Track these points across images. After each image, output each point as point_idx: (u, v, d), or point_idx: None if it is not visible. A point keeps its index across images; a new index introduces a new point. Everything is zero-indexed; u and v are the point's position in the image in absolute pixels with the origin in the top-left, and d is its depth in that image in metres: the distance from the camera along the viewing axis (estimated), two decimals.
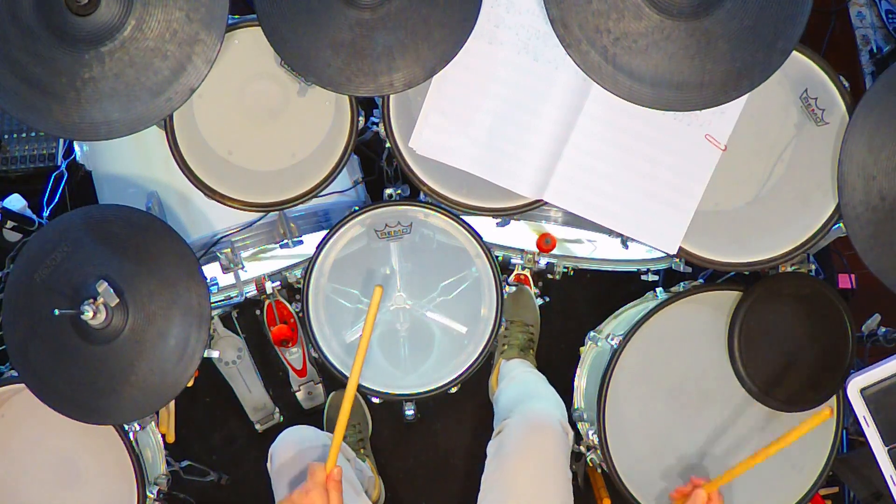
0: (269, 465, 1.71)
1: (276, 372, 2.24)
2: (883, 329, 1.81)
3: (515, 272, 2.06)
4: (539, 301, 2.20)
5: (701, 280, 1.81)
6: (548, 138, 1.56)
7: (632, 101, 1.44)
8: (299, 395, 2.21)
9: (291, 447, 1.69)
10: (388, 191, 1.77)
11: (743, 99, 1.49)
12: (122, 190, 1.81)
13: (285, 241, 1.78)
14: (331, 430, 2.13)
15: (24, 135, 2.27)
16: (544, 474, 1.61)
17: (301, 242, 1.80)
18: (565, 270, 2.00)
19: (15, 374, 1.58)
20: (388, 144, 1.63)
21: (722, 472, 1.47)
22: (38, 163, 2.25)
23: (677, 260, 1.68)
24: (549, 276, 2.00)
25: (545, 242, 1.86)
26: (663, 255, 1.69)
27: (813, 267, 1.66)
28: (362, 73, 1.47)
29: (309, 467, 1.42)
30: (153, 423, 1.71)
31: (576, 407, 1.85)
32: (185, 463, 1.96)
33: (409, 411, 1.78)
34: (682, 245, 1.57)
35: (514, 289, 2.06)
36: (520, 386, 1.93)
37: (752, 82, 1.42)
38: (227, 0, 1.43)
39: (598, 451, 1.70)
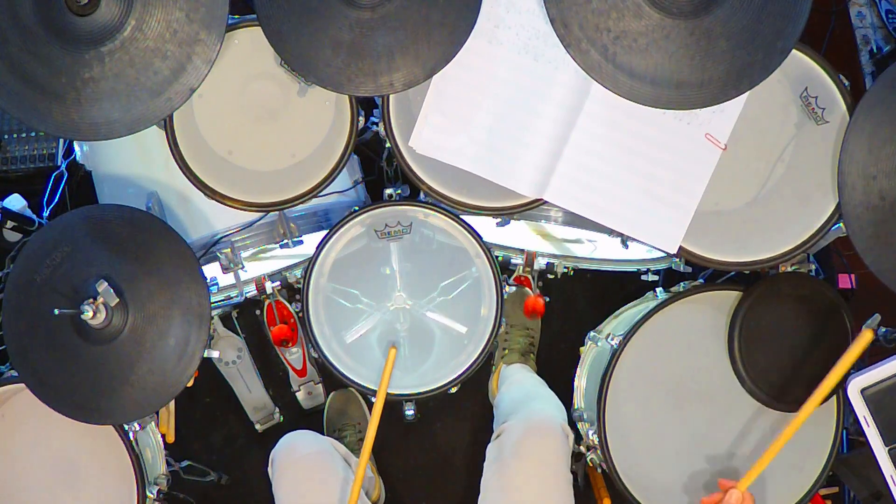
0: (269, 469, 1.71)
1: (276, 372, 2.24)
2: (883, 329, 1.81)
3: (516, 274, 2.06)
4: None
5: (701, 280, 1.81)
6: (548, 138, 1.55)
7: (632, 100, 1.44)
8: (299, 395, 2.21)
9: (292, 452, 1.69)
10: (388, 191, 1.77)
11: (743, 98, 1.49)
12: (122, 190, 1.80)
13: (285, 241, 1.78)
14: (331, 430, 2.14)
15: (24, 135, 2.27)
16: (544, 476, 1.61)
17: (301, 242, 1.80)
18: (565, 270, 2.00)
19: (15, 374, 1.58)
20: (388, 144, 1.63)
21: (724, 470, 1.47)
22: (38, 163, 2.25)
23: (677, 260, 1.68)
24: (549, 276, 2.00)
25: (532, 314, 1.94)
26: (663, 254, 1.68)
27: (813, 267, 1.66)
28: (362, 73, 1.47)
29: None
30: (153, 423, 1.71)
31: (576, 407, 1.85)
32: (185, 463, 1.96)
33: (409, 411, 1.78)
34: (683, 245, 1.57)
35: (514, 289, 2.06)
36: (520, 389, 1.93)
37: (752, 81, 1.42)
38: (226, 0, 1.43)
39: (598, 451, 1.70)
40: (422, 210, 1.72)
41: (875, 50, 2.22)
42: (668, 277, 1.87)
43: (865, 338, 1.42)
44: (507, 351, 2.13)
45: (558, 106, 1.54)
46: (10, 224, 2.15)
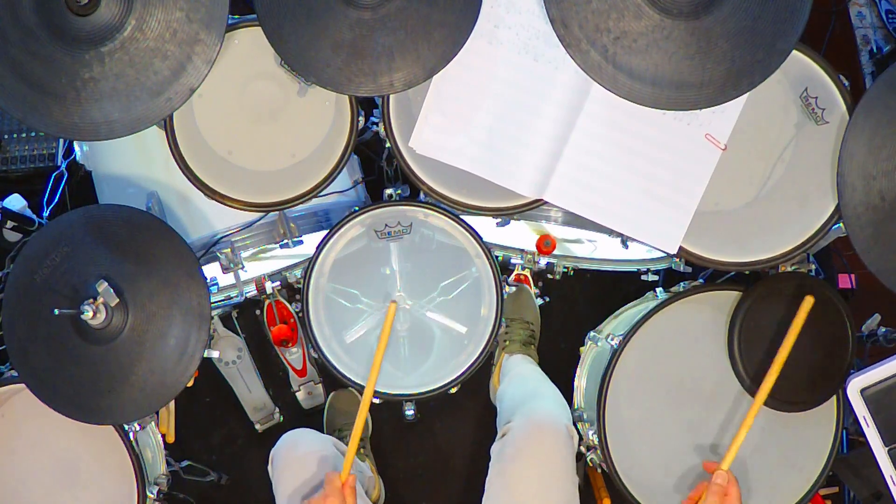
0: (269, 467, 1.71)
1: (276, 372, 2.24)
2: (883, 329, 1.81)
3: (515, 272, 2.06)
4: (539, 301, 2.20)
5: (701, 280, 1.81)
6: (548, 138, 1.56)
7: (632, 101, 1.44)
8: (299, 395, 2.21)
9: (292, 450, 1.69)
10: (388, 191, 1.77)
11: (743, 98, 1.49)
12: (122, 190, 1.80)
13: (285, 241, 1.78)
14: (331, 430, 2.14)
15: (24, 135, 2.27)
16: (547, 477, 1.60)
17: (301, 242, 1.80)
18: (565, 270, 2.00)
19: (15, 374, 1.58)
20: (388, 144, 1.63)
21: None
22: (38, 163, 2.25)
23: (677, 260, 1.68)
24: (549, 276, 2.00)
25: (545, 244, 1.86)
26: (663, 254, 1.69)
27: (813, 267, 1.66)
28: (362, 73, 1.47)
29: (325, 476, 1.52)
30: (153, 423, 1.71)
31: (576, 407, 1.85)
32: (185, 463, 1.96)
33: (409, 411, 1.78)
34: (682, 245, 1.57)
35: (514, 289, 2.06)
36: (523, 384, 1.93)
37: (752, 82, 1.42)
38: (227, 0, 1.43)
39: (598, 451, 1.70)
40: (422, 210, 1.72)
41: (875, 50, 2.23)
42: (668, 277, 1.87)
43: (808, 303, 1.50)
44: (507, 342, 2.13)
45: (558, 106, 1.54)
46: (10, 224, 2.15)
